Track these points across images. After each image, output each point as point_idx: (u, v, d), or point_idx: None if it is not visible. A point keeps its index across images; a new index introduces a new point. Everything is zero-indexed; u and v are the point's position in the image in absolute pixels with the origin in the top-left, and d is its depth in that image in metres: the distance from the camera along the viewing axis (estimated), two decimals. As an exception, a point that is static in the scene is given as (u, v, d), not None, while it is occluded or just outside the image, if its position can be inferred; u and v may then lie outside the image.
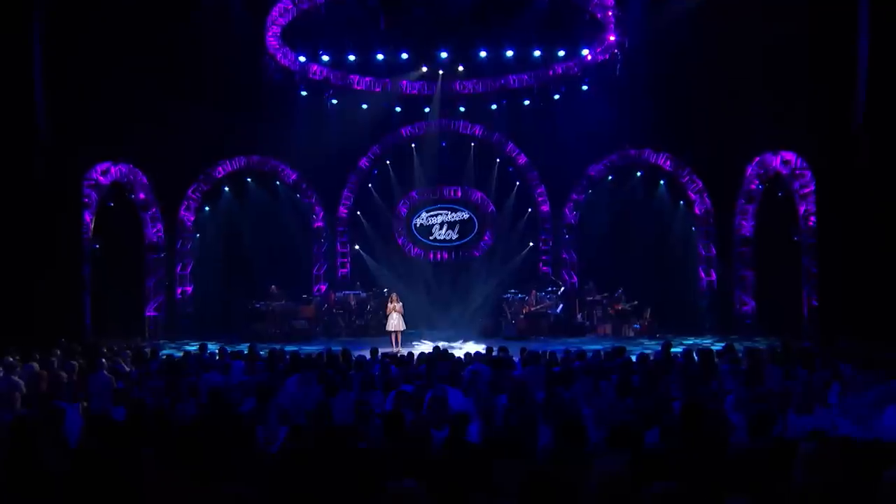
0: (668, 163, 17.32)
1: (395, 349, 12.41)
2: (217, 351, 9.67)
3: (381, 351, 9.51)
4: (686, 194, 17.46)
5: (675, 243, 17.57)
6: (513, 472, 3.59)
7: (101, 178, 15.18)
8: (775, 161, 14.93)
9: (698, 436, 4.08)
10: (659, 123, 16.17)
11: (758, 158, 15.43)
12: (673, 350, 9.07)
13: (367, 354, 8.87)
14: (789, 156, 14.53)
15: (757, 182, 15.81)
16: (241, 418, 4.86)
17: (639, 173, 17.74)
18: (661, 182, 17.71)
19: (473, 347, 10.11)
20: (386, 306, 14.51)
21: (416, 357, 8.72)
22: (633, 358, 8.53)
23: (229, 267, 17.61)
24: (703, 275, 17.34)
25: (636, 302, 16.37)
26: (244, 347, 9.89)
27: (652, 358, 8.47)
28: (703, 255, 17.34)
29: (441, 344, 10.73)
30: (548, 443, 4.59)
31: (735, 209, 16.40)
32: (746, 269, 16.46)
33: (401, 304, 14.26)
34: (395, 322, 14.07)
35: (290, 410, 5.71)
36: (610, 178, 18.00)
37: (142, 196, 16.49)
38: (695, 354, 8.35)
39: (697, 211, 17.35)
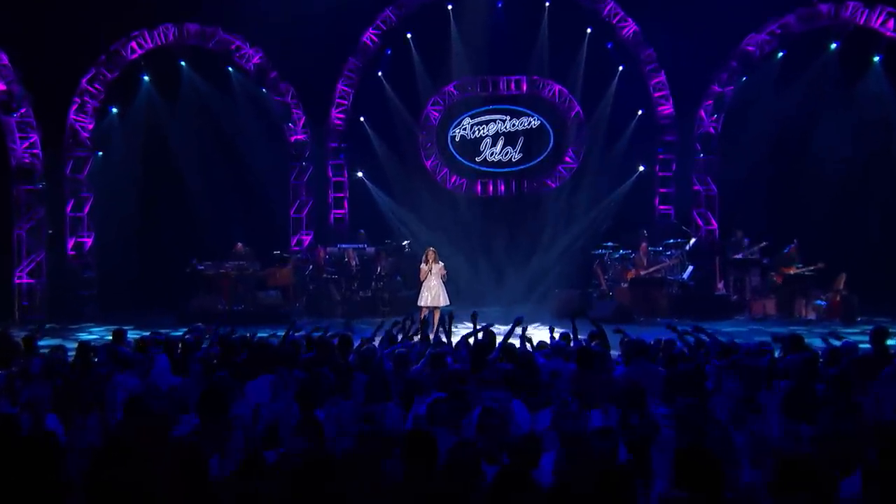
0: (892, 23, 16.85)
1: (426, 331, 12.38)
2: (136, 340, 9.84)
3: (409, 333, 9.79)
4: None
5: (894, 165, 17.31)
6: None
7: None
8: None
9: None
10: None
11: None
12: (889, 343, 8.91)
13: (376, 341, 8.94)
14: None
15: None
16: (182, 444, 4.91)
17: (833, 45, 17.38)
18: (876, 59, 17.37)
19: (546, 334, 10.25)
20: (419, 269, 14.46)
21: (455, 346, 8.81)
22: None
23: (153, 205, 17.92)
24: (942, 220, 17.07)
25: (821, 264, 16.20)
26: (181, 333, 10.09)
27: (851, 355, 8.29)
28: (947, 186, 17.05)
29: (495, 328, 10.85)
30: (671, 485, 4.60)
31: None
32: None
33: (442, 264, 14.35)
34: (434, 293, 14.11)
35: (259, 431, 5.79)
36: (780, 54, 17.77)
37: (2, 88, 16.67)
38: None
39: (939, 109, 17.01)
